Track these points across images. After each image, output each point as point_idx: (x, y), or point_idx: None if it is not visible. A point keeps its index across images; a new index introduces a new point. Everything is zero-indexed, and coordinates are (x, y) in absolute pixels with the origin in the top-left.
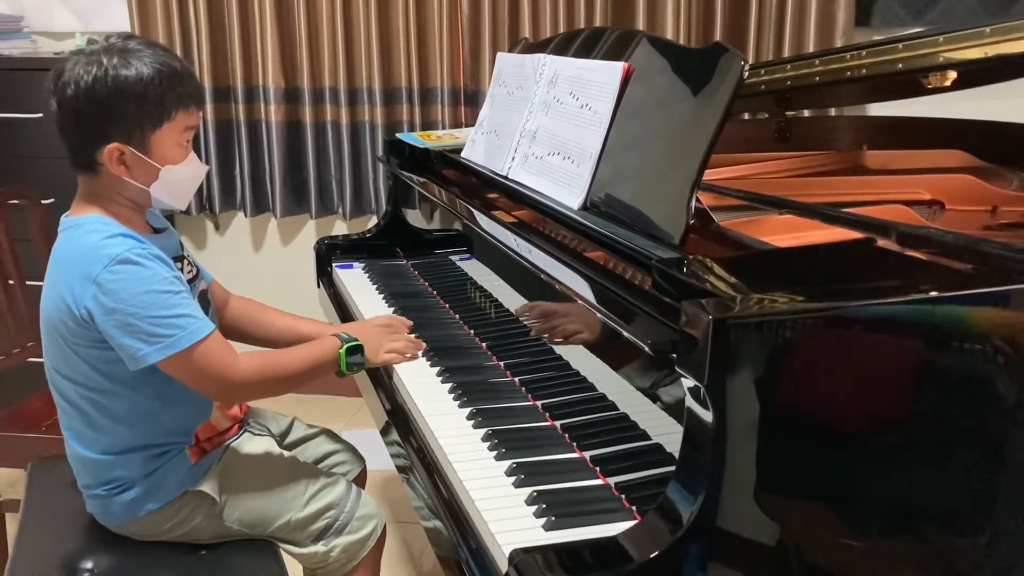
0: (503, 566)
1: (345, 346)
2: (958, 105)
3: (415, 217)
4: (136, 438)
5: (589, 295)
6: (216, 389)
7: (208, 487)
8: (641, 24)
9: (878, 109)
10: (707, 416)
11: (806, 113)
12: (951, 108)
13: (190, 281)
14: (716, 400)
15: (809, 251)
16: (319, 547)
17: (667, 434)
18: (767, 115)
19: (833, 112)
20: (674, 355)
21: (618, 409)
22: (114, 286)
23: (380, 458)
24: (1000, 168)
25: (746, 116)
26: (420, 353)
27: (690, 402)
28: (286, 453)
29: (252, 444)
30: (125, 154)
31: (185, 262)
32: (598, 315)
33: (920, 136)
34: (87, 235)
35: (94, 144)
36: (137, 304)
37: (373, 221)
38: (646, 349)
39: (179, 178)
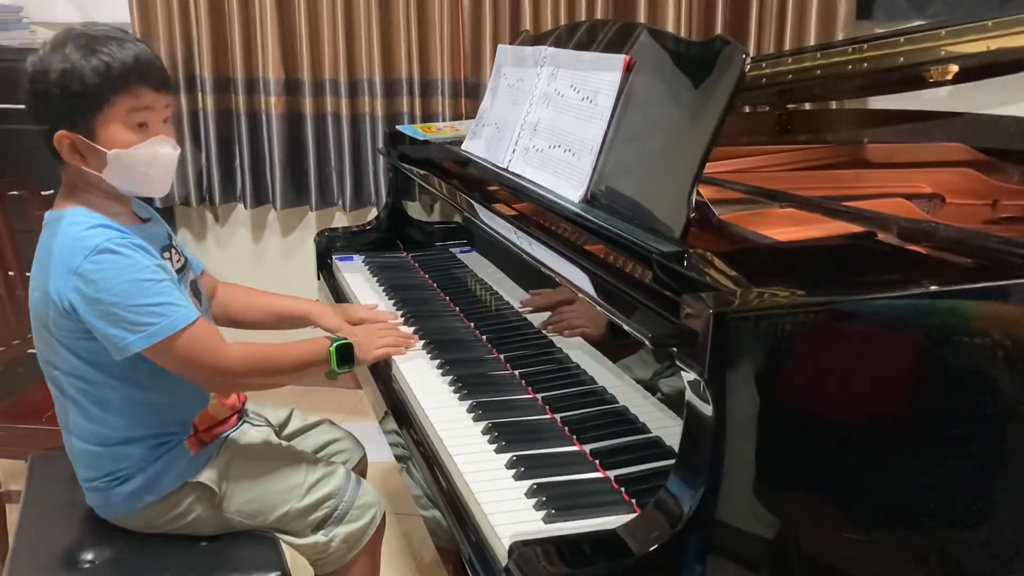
0: (503, 558)
1: (335, 344)
2: (959, 99)
3: (415, 210)
4: (132, 428)
5: (590, 288)
6: (204, 377)
7: (207, 478)
8: (642, 15)
9: (879, 102)
10: (707, 409)
11: (807, 106)
12: (952, 102)
13: (178, 271)
14: (716, 393)
15: (809, 245)
16: (319, 537)
17: (666, 427)
18: (768, 107)
19: (834, 105)
20: (674, 348)
21: (618, 403)
22: (95, 276)
23: (379, 450)
24: (1001, 162)
25: (747, 109)
26: (421, 346)
27: (690, 395)
28: (285, 444)
29: (251, 435)
30: (75, 142)
31: (173, 251)
32: (599, 309)
33: (921, 130)
34: (68, 227)
35: (48, 133)
36: (119, 293)
37: (373, 213)
38: (647, 343)
39: (131, 162)
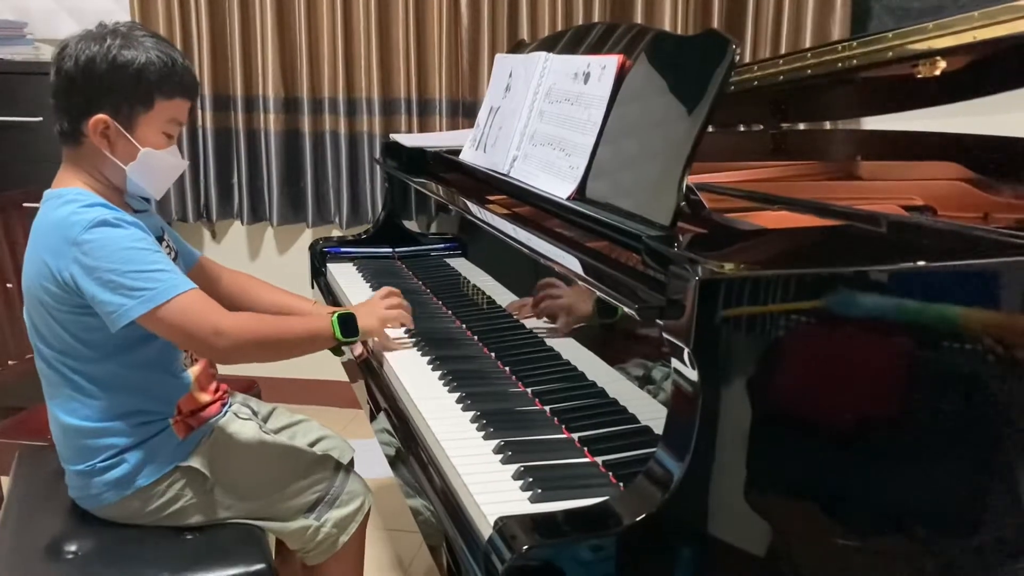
0: (487, 534)
1: (336, 313)
2: (951, 120)
3: (410, 222)
4: (120, 404)
5: (579, 270)
6: (202, 344)
7: (198, 462)
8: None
9: (873, 123)
10: (693, 381)
11: (801, 126)
12: (945, 123)
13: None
14: (702, 363)
15: (798, 229)
16: (311, 520)
17: (656, 417)
18: (762, 127)
19: (828, 126)
20: (660, 320)
21: (607, 394)
22: (93, 246)
23: (370, 468)
24: (993, 180)
25: (741, 128)
26: (412, 344)
27: (676, 367)
28: (275, 435)
29: (239, 423)
30: (110, 128)
31: (164, 244)
32: (586, 289)
33: (914, 148)
34: (66, 204)
35: (82, 114)
36: (117, 260)
37: None
38: (634, 314)
39: (156, 164)
